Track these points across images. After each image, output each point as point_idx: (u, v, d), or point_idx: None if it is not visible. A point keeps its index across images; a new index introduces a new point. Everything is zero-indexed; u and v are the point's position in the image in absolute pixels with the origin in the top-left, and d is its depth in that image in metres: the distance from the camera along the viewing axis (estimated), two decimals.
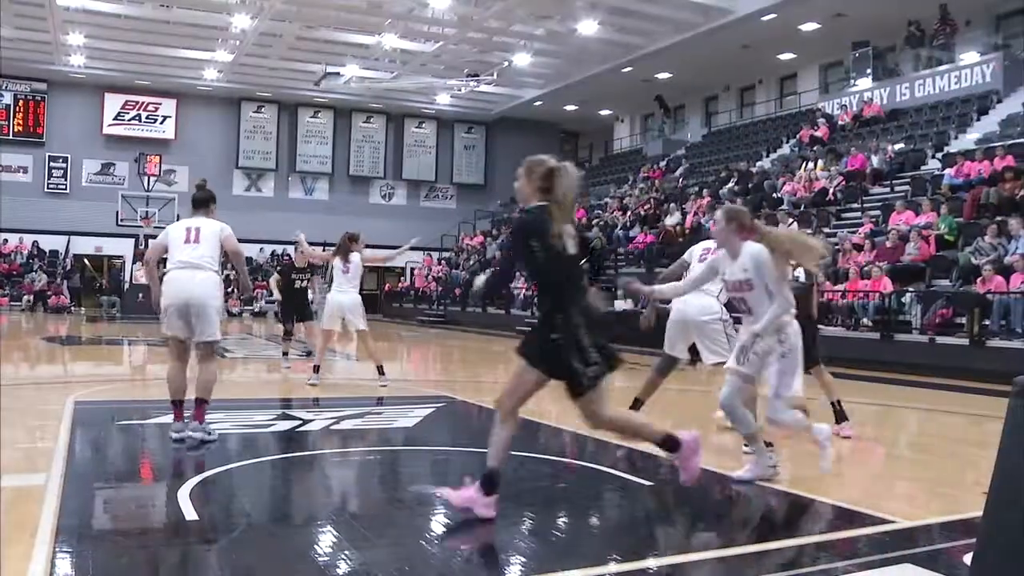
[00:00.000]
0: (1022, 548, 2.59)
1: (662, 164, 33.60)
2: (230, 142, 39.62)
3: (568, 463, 6.75)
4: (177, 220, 32.35)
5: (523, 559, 4.35)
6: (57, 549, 4.05)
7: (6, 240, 35.97)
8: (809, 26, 26.81)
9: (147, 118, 38.38)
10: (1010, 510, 2.67)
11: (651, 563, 4.10)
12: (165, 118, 38.55)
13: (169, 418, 7.52)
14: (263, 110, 40.08)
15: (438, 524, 4.94)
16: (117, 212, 34.88)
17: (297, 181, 40.97)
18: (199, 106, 38.67)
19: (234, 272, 6.03)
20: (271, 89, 38.07)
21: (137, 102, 38.10)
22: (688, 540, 4.74)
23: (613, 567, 4.01)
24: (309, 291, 14.62)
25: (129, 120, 38.08)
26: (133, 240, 34.98)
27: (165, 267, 7.02)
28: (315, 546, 4.37)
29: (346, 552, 4.23)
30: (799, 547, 4.38)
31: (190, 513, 4.72)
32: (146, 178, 35.24)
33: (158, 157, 36.09)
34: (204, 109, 38.79)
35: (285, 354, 14.35)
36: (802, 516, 5.29)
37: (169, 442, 6.93)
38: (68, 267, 35.89)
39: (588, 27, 27.95)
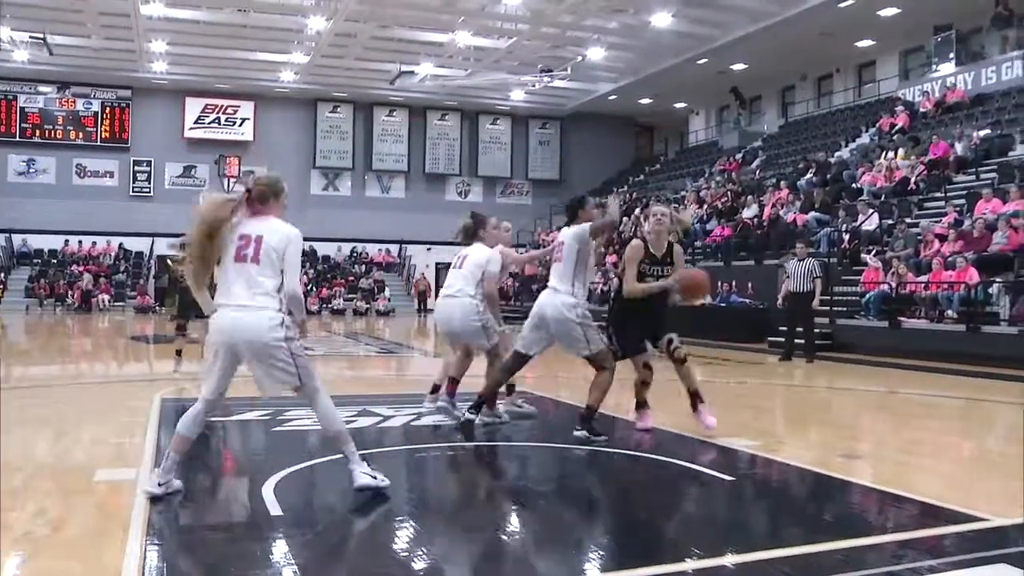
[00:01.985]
0: None
1: (738, 156, 33.20)
2: (307, 142, 40.20)
3: (646, 457, 6.72)
4: None
5: (601, 553, 4.35)
6: (148, 543, 4.16)
7: (95, 243, 37.06)
8: (889, 11, 26.23)
9: (226, 121, 39.17)
10: None
11: (731, 559, 4.06)
12: (244, 120, 39.30)
13: (252, 415, 7.67)
14: (339, 110, 40.57)
15: (516, 518, 4.96)
16: None
17: (374, 179, 41.40)
18: (276, 107, 39.32)
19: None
20: (346, 89, 38.53)
21: (216, 105, 38.92)
22: (771, 537, 4.68)
23: (692, 563, 3.98)
24: None
25: (209, 123, 38.91)
26: None
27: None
28: (395, 541, 4.43)
29: (425, 547, 4.27)
30: (886, 544, 4.30)
31: (274, 508, 4.80)
32: (226, 179, 35.96)
33: (237, 158, 36.82)
34: (281, 110, 39.43)
35: None
36: (884, 511, 5.19)
37: (251, 438, 7.06)
38: (153, 268, 36.78)
39: (662, 19, 27.73)
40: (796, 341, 15.53)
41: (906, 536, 4.45)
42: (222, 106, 39.03)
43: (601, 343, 7.17)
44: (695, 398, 7.44)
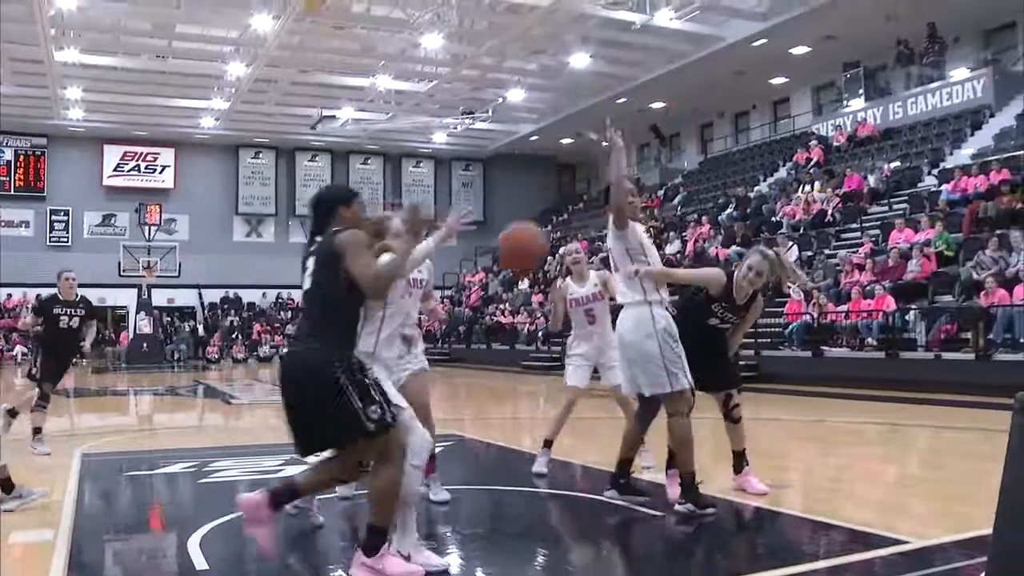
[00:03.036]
0: None
1: (660, 193, 33.69)
2: (229, 189, 39.81)
3: (573, 496, 6.72)
4: (179, 267, 32.17)
5: None
6: None
7: (9, 295, 36.05)
8: (800, 50, 26.97)
9: (146, 168, 38.65)
10: (1018, 531, 2.64)
11: None
12: (164, 167, 38.81)
13: (178, 467, 7.53)
14: (261, 156, 40.32)
15: (452, 562, 4.91)
16: (119, 263, 34.94)
17: (297, 225, 41.02)
18: (197, 154, 38.89)
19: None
20: (268, 135, 38.35)
21: (136, 152, 38.37)
22: (702, 569, 4.71)
23: None
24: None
25: (128, 171, 38.32)
26: (136, 290, 35.01)
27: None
28: None
29: None
30: (814, 571, 4.35)
31: (200, 563, 4.69)
32: (147, 228, 35.31)
33: (158, 206, 36.23)
34: (202, 157, 39.02)
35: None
36: (815, 539, 5.26)
37: (177, 491, 6.91)
38: None
39: (580, 60, 28.13)
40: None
41: (835, 562, 4.51)
42: (142, 153, 38.48)
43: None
44: (741, 459, 6.55)
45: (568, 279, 7.74)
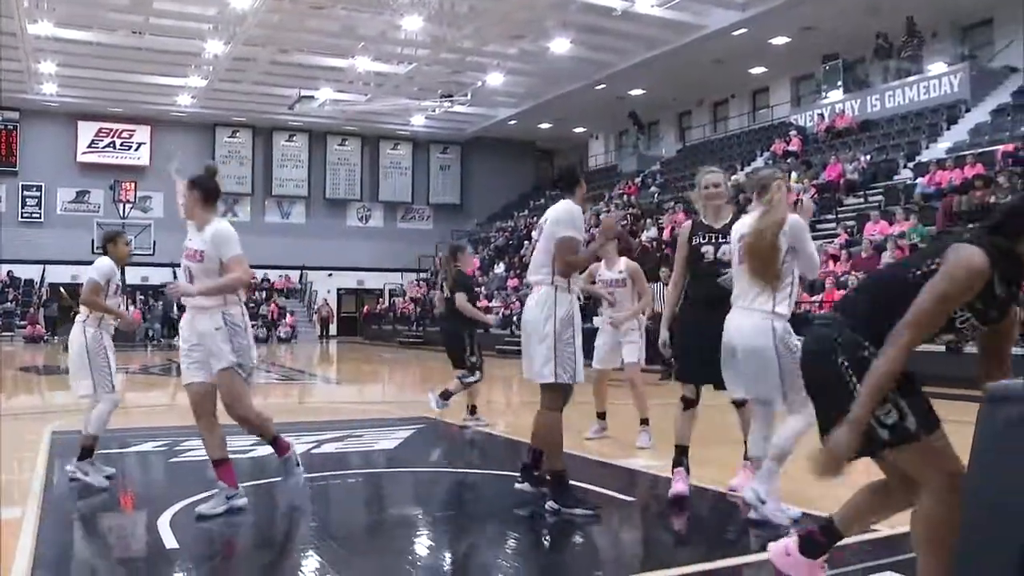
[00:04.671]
0: (999, 567, 2.58)
1: (637, 180, 33.73)
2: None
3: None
4: (153, 246, 31.86)
5: None
6: None
7: None
8: (779, 40, 27.05)
9: (121, 145, 38.31)
10: (987, 528, 2.66)
11: None
12: (140, 145, 38.50)
13: (149, 445, 7.51)
14: (238, 135, 40.07)
15: (421, 546, 4.93)
16: (92, 240, 34.66)
17: (273, 205, 40.94)
18: (174, 132, 38.53)
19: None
20: (245, 114, 38.08)
21: (111, 129, 38.05)
22: (674, 555, 4.74)
23: None
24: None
25: (103, 147, 37.97)
26: None
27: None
28: (297, 572, 4.35)
29: (288, 565, 4.21)
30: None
31: (170, 541, 4.68)
32: (121, 205, 35.06)
33: (133, 184, 35.96)
34: (179, 135, 38.64)
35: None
36: (787, 527, 5.30)
37: (148, 470, 6.90)
38: (44, 296, 35.63)
39: (560, 46, 28.08)
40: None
41: None
42: (117, 130, 38.18)
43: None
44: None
45: (601, 261, 8.31)
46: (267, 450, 7.54)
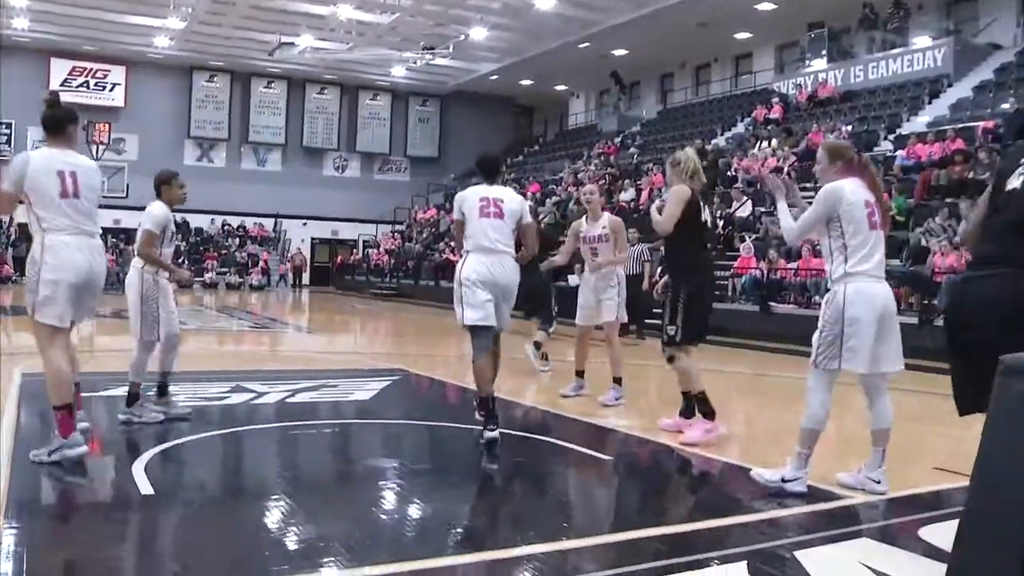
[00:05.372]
0: (1008, 543, 2.57)
1: (617, 140, 33.61)
2: (181, 111, 38.97)
3: (523, 436, 6.75)
4: (127, 188, 31.40)
5: (477, 532, 4.35)
6: (5, 525, 3.96)
7: None
8: (765, 6, 26.89)
9: (96, 85, 37.63)
10: (997, 503, 2.65)
11: (600, 540, 4.13)
12: (115, 85, 37.83)
13: (120, 391, 7.43)
14: (215, 79, 39.50)
15: (390, 497, 4.91)
16: None
17: (250, 152, 40.51)
18: (150, 74, 37.95)
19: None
20: (224, 58, 37.51)
21: (85, 68, 37.33)
22: (643, 516, 4.75)
23: (565, 543, 4.00)
24: None
25: (77, 87, 37.22)
26: None
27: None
28: (269, 519, 4.32)
29: (299, 525, 4.19)
30: (755, 523, 4.41)
31: (145, 487, 4.64)
32: (95, 146, 34.57)
33: (107, 125, 35.47)
34: (155, 77, 38.09)
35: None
36: (757, 492, 5.33)
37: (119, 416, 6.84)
38: (12, 236, 35.16)
39: (545, 2, 27.83)
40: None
41: (774, 514, 4.57)
42: (91, 69, 37.44)
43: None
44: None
45: (584, 218, 8.44)
46: (240, 398, 7.53)
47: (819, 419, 4.86)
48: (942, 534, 4.20)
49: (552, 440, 6.61)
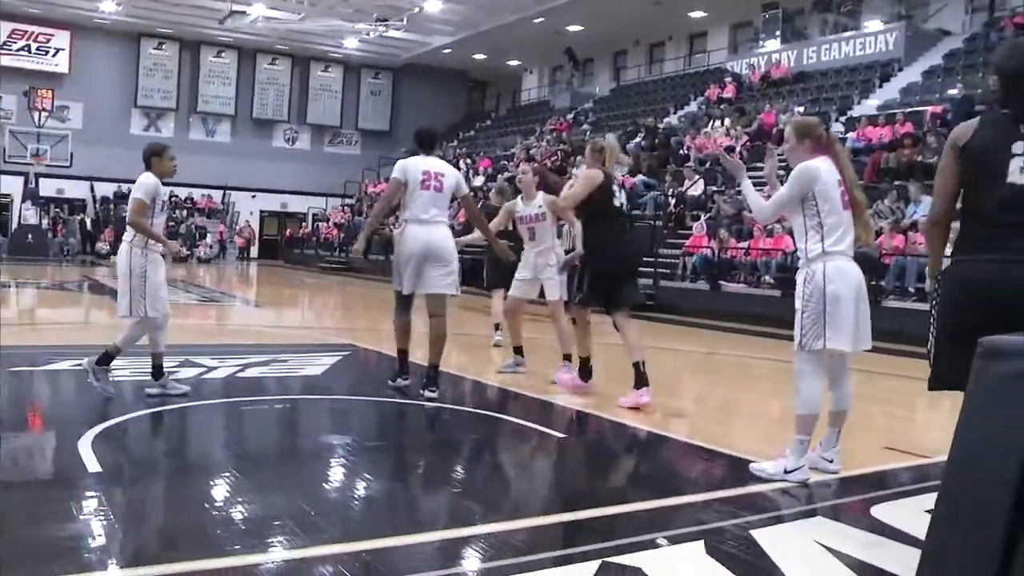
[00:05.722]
0: (986, 524, 2.58)
1: (569, 117, 33.57)
2: (128, 79, 38.21)
3: (475, 412, 6.72)
4: (71, 157, 30.79)
5: (428, 511, 4.30)
6: None
7: None
8: None
9: (38, 49, 36.70)
10: (975, 484, 2.66)
11: (554, 519, 4.10)
12: (58, 50, 36.95)
13: (64, 364, 7.29)
14: (164, 47, 38.79)
15: (344, 473, 4.85)
16: (4, 148, 33.42)
17: (198, 122, 39.88)
18: (95, 40, 37.13)
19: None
20: (172, 26, 36.83)
21: (26, 31, 36.33)
22: (597, 495, 4.72)
23: (517, 522, 3.97)
24: None
25: (17, 50, 36.27)
26: (23, 179, 33.57)
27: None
28: (219, 497, 4.24)
29: (250, 503, 4.12)
30: (709, 501, 4.41)
31: (93, 464, 4.52)
32: (37, 113, 33.80)
33: (51, 92, 34.67)
34: (101, 44, 37.30)
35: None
36: (712, 470, 5.35)
37: (64, 390, 6.70)
38: None
39: None
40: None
41: (728, 493, 4.58)
42: (33, 33, 36.45)
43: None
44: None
45: (519, 198, 8.54)
46: (190, 373, 7.40)
47: (812, 403, 4.81)
48: (894, 512, 4.26)
49: (505, 417, 6.59)
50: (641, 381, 6.70)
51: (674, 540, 3.74)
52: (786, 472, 4.78)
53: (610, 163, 6.96)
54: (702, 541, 3.71)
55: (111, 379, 6.38)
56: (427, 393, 6.66)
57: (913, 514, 4.17)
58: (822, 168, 4.75)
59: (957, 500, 2.71)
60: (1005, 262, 3.28)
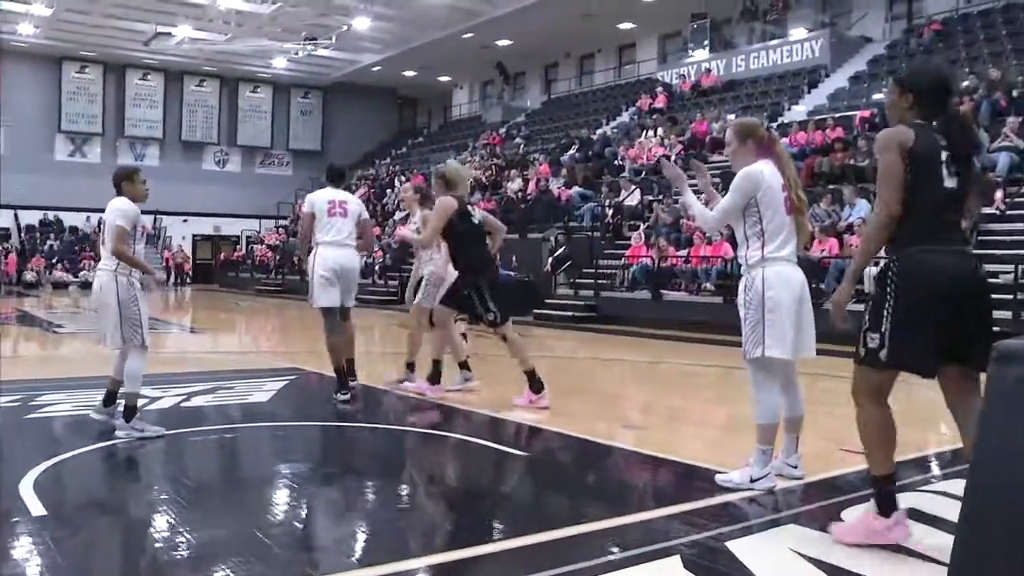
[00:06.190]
0: (1011, 527, 2.57)
1: (502, 131, 33.61)
2: (51, 104, 37.37)
3: (429, 433, 6.60)
4: None
5: (379, 541, 4.15)
6: None
7: None
8: None
9: None
10: (997, 489, 2.64)
11: (525, 540, 3.98)
12: None
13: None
14: (87, 70, 38.05)
15: (292, 502, 4.71)
16: None
17: (126, 146, 39.13)
18: (15, 63, 36.14)
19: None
20: (96, 48, 36.09)
21: None
22: (566, 513, 4.63)
23: (485, 547, 3.88)
24: None
25: None
26: None
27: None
28: (173, 536, 4.05)
29: (204, 544, 3.96)
30: (680, 515, 4.35)
31: (36, 508, 4.27)
32: None
33: None
34: (21, 67, 36.34)
35: None
36: (674, 482, 5.31)
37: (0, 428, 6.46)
38: None
39: None
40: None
41: (697, 505, 4.52)
42: None
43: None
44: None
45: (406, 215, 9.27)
46: (165, 403, 7.16)
47: (771, 413, 4.77)
48: None
49: (463, 437, 6.48)
50: (537, 386, 7.18)
51: (650, 556, 3.67)
52: (752, 481, 4.75)
53: (460, 187, 7.45)
54: (678, 556, 3.65)
55: (142, 421, 6.09)
56: (342, 397, 7.47)
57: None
58: (765, 172, 4.70)
59: (980, 506, 2.70)
60: (952, 253, 3.69)
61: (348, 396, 7.47)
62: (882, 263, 3.84)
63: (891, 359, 3.70)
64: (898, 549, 3.74)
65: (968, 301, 3.64)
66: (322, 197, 7.60)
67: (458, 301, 7.50)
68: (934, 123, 3.73)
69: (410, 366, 8.28)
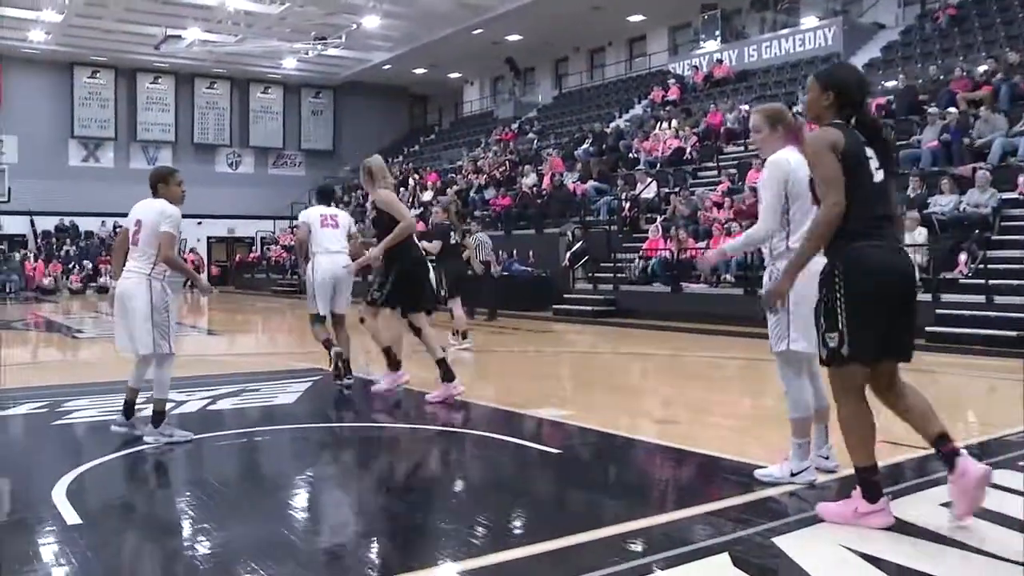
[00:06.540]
0: None
1: (514, 126, 33.52)
2: (63, 110, 37.39)
3: (461, 432, 6.54)
4: (8, 192, 30.05)
5: (448, 541, 4.10)
6: None
7: None
8: None
9: None
10: None
11: (573, 540, 3.91)
12: None
13: (26, 407, 7.03)
14: (99, 75, 38.04)
15: (327, 507, 4.66)
16: None
17: (139, 150, 39.14)
18: (26, 70, 36.21)
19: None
20: (106, 53, 36.10)
21: None
22: (606, 512, 4.56)
23: (533, 547, 3.81)
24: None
25: None
26: None
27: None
28: (214, 543, 4.01)
29: (222, 541, 3.91)
30: (721, 511, 4.27)
31: (71, 516, 4.23)
32: None
33: None
34: (32, 74, 36.39)
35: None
36: (713, 477, 5.23)
37: (31, 435, 6.43)
38: None
39: None
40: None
41: (737, 501, 4.44)
42: None
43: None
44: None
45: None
46: (190, 407, 7.12)
47: (803, 406, 4.70)
48: (910, 508, 4.16)
49: (484, 434, 6.41)
50: (448, 375, 7.54)
51: (698, 555, 3.60)
52: (793, 475, 4.67)
53: (384, 181, 8.04)
54: (727, 553, 3.58)
55: (170, 426, 6.04)
56: (347, 381, 8.26)
57: (931, 509, 4.10)
58: (791, 160, 4.61)
59: None
60: (893, 250, 3.96)
61: (349, 381, 8.30)
62: (823, 265, 3.98)
63: (852, 353, 3.87)
64: (963, 546, 3.66)
65: (907, 296, 3.95)
66: (315, 213, 8.46)
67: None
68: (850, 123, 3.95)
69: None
